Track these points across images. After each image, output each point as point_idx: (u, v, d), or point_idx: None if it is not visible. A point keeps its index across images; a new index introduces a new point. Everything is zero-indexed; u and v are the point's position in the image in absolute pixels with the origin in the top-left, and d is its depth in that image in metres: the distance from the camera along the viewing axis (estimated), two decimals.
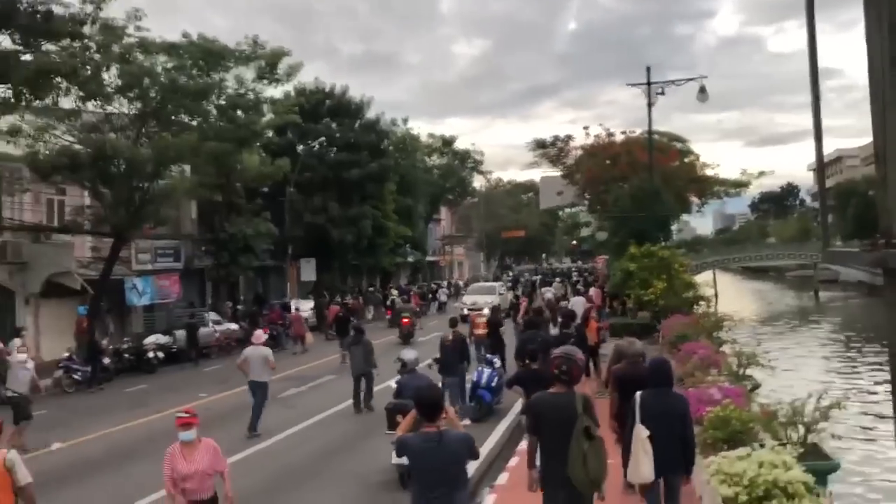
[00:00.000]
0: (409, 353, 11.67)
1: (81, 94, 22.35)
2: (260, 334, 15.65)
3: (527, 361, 10.78)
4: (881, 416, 16.34)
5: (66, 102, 22.44)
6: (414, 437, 5.54)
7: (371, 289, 48.18)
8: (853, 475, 13.22)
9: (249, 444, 12.91)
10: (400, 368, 11.58)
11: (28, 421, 13.30)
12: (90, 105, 23.53)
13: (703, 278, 47.24)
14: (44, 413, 15.39)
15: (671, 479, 6.70)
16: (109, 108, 24.32)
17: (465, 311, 30.28)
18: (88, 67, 21.59)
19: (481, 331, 19.34)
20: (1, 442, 6.63)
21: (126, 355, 23.75)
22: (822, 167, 3.88)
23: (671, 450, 6.53)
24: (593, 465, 5.81)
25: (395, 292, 43.22)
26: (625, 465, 7.74)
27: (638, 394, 6.92)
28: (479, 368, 15.05)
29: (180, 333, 26.32)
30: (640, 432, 6.53)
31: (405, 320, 28.75)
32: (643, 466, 6.48)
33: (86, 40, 20.92)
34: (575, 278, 56.59)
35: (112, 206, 24.46)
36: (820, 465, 6.62)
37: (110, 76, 23.23)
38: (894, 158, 3.13)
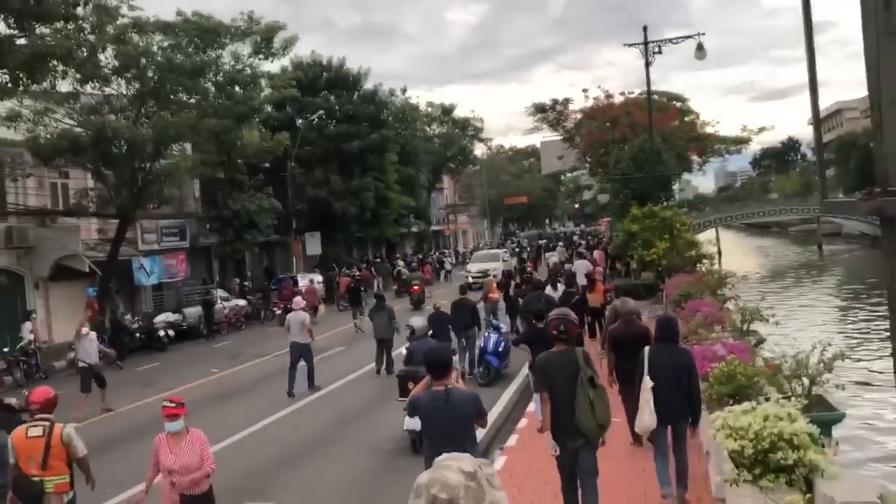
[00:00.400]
0: (417, 321, 11.81)
1: (78, 76, 22.34)
2: (299, 300, 17.15)
3: (533, 321, 11.00)
4: (884, 365, 16.50)
5: (65, 86, 22.46)
6: (423, 396, 5.79)
7: (378, 259, 48.33)
8: (858, 424, 13.40)
9: (263, 415, 13.11)
10: (409, 335, 11.76)
11: (104, 387, 15.11)
12: (88, 87, 23.55)
13: (705, 236, 47.14)
14: (61, 393, 15.59)
15: (678, 427, 7.13)
16: (108, 90, 24.32)
17: (470, 280, 30.48)
18: (84, 49, 21.53)
19: (494, 295, 19.60)
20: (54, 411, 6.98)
21: (137, 334, 23.97)
22: (818, 120, 3.94)
23: (677, 401, 6.99)
24: (600, 411, 6.27)
25: (400, 263, 43.36)
26: (630, 420, 8.25)
27: (646, 348, 7.34)
28: (487, 334, 15.25)
29: (191, 311, 26.58)
30: (646, 383, 7.01)
31: (415, 287, 29.77)
32: (646, 416, 6.97)
33: (79, 22, 20.82)
34: (577, 241, 56.77)
35: (115, 187, 24.54)
36: (824, 416, 6.71)
37: (106, 57, 23.20)
38: (889, 106, 3.18)
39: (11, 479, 6.69)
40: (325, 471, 10.05)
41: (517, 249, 54.54)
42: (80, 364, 15.16)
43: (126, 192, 24.43)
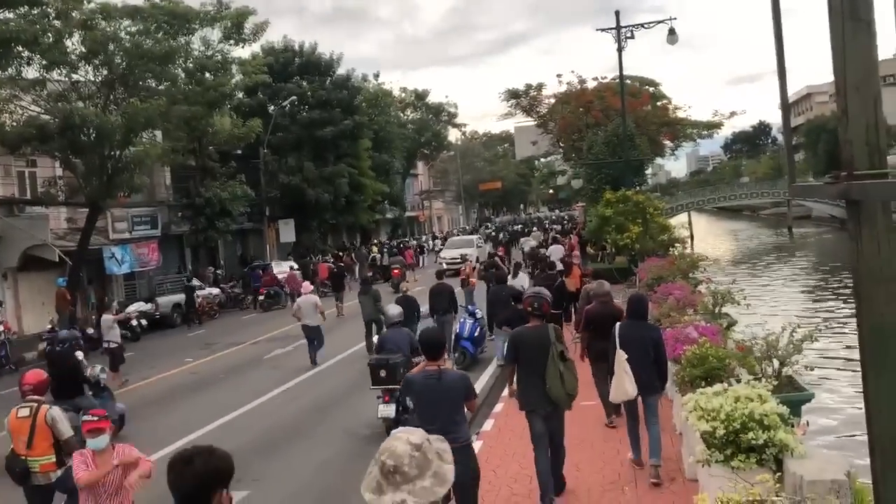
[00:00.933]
0: (393, 309, 11.80)
1: (44, 62, 21.98)
2: (308, 285, 18.83)
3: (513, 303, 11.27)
4: (851, 346, 16.80)
5: (31, 72, 22.09)
6: (417, 375, 6.22)
7: (357, 246, 48.27)
8: (826, 402, 13.66)
9: (238, 405, 13.07)
10: (385, 322, 11.84)
11: (122, 364, 16.52)
12: (55, 74, 23.15)
13: (678, 220, 47.70)
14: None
15: (648, 398, 7.55)
16: (75, 77, 23.96)
17: (445, 266, 30.43)
18: (49, 35, 21.18)
19: (474, 280, 19.87)
20: (45, 397, 7.30)
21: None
22: (786, 104, 3.98)
23: (646, 371, 7.45)
24: (569, 382, 6.88)
25: (374, 249, 43.31)
26: (603, 397, 8.89)
27: (618, 324, 7.87)
28: (462, 320, 15.30)
29: (164, 300, 26.38)
30: (620, 356, 7.47)
31: (396, 271, 30.38)
32: (626, 384, 7.38)
33: (44, 7, 20.46)
34: (549, 227, 57.05)
35: (85, 175, 24.19)
36: (794, 396, 6.83)
37: (73, 43, 22.84)
38: (853, 92, 3.22)
39: (5, 457, 6.98)
40: (299, 458, 10.06)
41: (493, 234, 54.75)
42: (108, 345, 16.75)
43: (96, 180, 24.09)
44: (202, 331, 24.91)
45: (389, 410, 10.00)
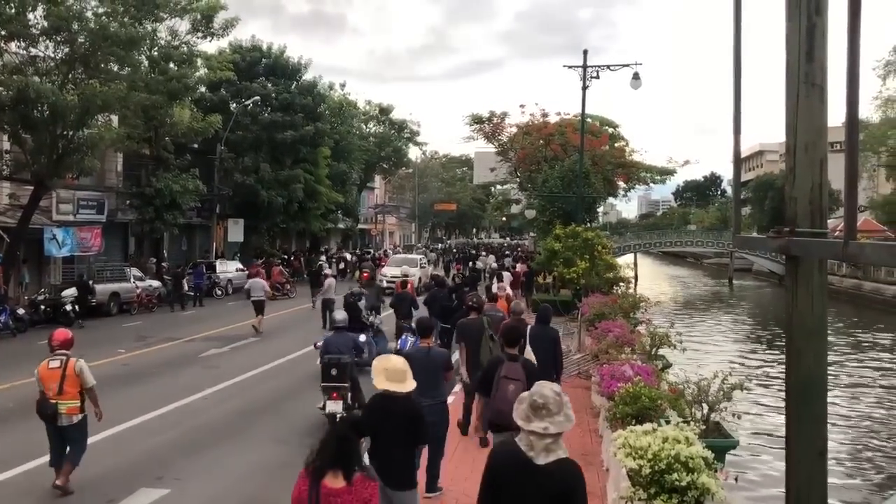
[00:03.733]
0: (339, 314, 12.31)
1: (3, 32, 21.41)
2: (329, 270, 22.43)
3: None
4: (779, 397, 17.23)
5: None
6: (412, 350, 9.12)
7: (308, 251, 47.97)
8: (749, 450, 13.98)
9: (167, 401, 12.80)
10: (330, 326, 12.46)
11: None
12: (13, 45, 22.56)
13: (624, 260, 48.36)
14: None
15: None
16: (34, 51, 23.36)
17: (385, 284, 29.94)
18: (12, 5, 20.67)
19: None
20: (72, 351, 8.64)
21: (42, 307, 23.03)
22: (738, 158, 4.12)
23: (547, 364, 9.17)
24: (495, 353, 8.92)
25: (322, 258, 42.98)
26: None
27: (529, 326, 10.06)
28: (404, 337, 15.24)
29: (102, 287, 25.66)
30: (528, 351, 9.22)
31: (365, 274, 30.89)
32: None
33: None
34: (507, 254, 57.46)
35: (33, 152, 23.58)
36: (719, 442, 7.00)
37: (36, 17, 22.31)
38: (802, 152, 3.35)
39: (36, 402, 8.44)
40: (224, 461, 9.88)
41: (454, 252, 54.98)
42: (254, 298, 21.86)
43: (44, 158, 23.49)
44: (138, 322, 24.36)
45: (337, 407, 10.54)
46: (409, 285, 20.45)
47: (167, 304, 28.86)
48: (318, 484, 4.10)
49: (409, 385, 5.87)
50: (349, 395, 10.76)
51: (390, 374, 5.69)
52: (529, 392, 3.99)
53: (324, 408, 10.74)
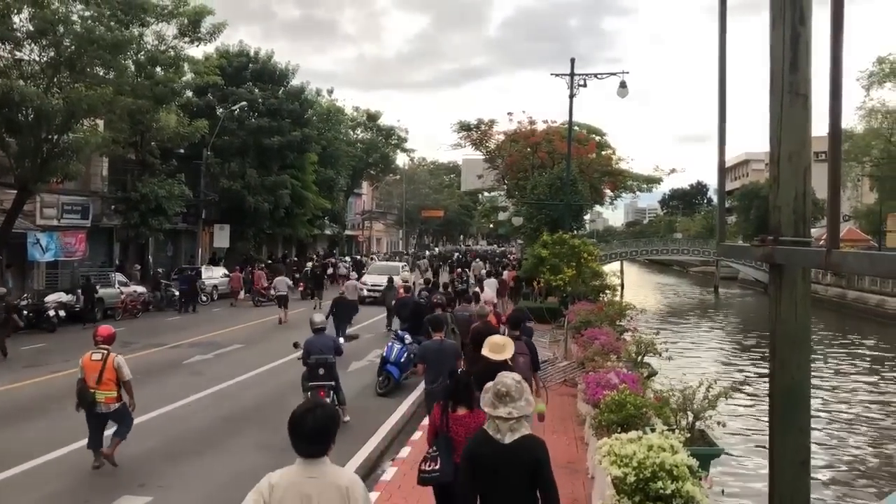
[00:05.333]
0: (318, 316, 12.66)
1: None
2: (353, 275, 21.88)
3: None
4: (763, 405, 17.29)
5: None
6: (429, 342, 9.87)
7: (288, 258, 47.86)
8: (733, 458, 14.03)
9: (151, 408, 12.68)
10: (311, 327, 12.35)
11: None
12: None
13: (610, 268, 48.66)
14: None
15: None
16: (19, 54, 23.17)
17: (365, 293, 29.60)
18: None
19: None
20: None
21: (25, 312, 22.81)
22: (722, 167, 4.14)
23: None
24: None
25: (308, 265, 42.85)
26: None
27: (502, 328, 11.20)
28: (390, 344, 15.20)
29: (104, 293, 25.50)
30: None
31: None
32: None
33: None
34: (497, 260, 57.61)
35: (17, 156, 23.35)
36: (704, 450, 7.00)
37: (21, 20, 22.16)
38: (786, 161, 3.37)
39: (77, 389, 9.29)
40: (209, 469, 9.80)
41: (435, 262, 55.12)
42: (279, 294, 25.32)
43: (29, 162, 23.29)
44: (122, 328, 24.13)
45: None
46: (410, 291, 20.64)
47: (173, 307, 29.09)
48: (447, 413, 6.01)
49: (507, 354, 7.29)
50: (332, 394, 11.45)
51: (492, 346, 7.32)
52: (493, 382, 4.65)
53: None
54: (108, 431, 9.58)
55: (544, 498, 4.53)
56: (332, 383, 11.52)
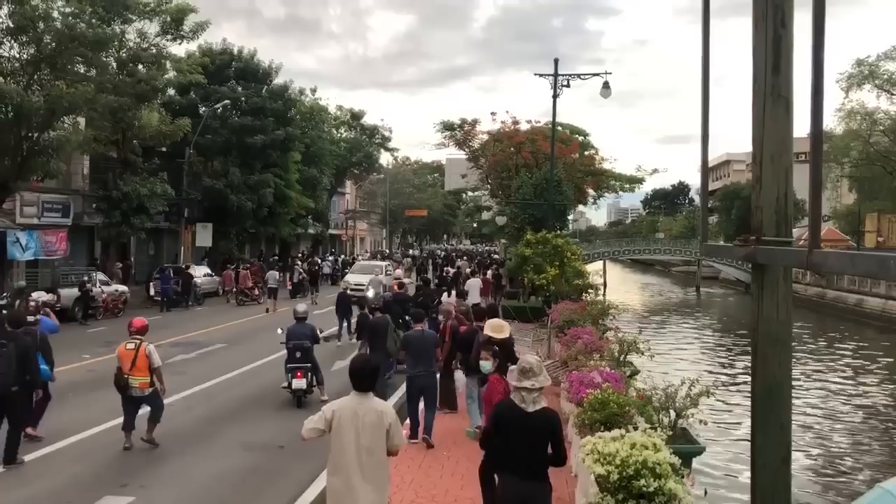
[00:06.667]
0: (301, 306, 14.19)
1: None
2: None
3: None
4: (745, 402, 17.43)
5: None
6: (410, 333, 11.15)
7: (275, 257, 47.83)
8: (715, 456, 14.14)
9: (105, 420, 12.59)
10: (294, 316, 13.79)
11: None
12: None
13: (593, 268, 48.79)
14: None
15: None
16: None
17: (349, 292, 29.57)
18: None
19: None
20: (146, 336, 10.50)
21: (3, 311, 22.52)
22: (705, 167, 4.18)
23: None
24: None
25: (298, 263, 42.74)
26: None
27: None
28: None
29: (67, 292, 25.23)
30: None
31: None
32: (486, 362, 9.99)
33: None
34: (478, 260, 57.70)
35: None
36: (686, 448, 7.07)
37: (1, 16, 21.95)
38: (769, 162, 3.41)
39: (114, 375, 10.37)
40: (191, 469, 9.76)
41: (418, 260, 55.30)
42: (270, 286, 27.76)
43: (8, 160, 23.09)
44: (103, 328, 23.98)
45: (302, 384, 12.89)
46: (404, 287, 20.73)
47: (172, 304, 29.27)
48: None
49: (505, 334, 9.82)
50: (310, 374, 13.04)
51: (493, 327, 9.69)
52: (519, 361, 5.89)
53: (289, 386, 12.98)
54: (142, 411, 10.57)
55: (555, 453, 5.77)
56: (309, 365, 13.02)
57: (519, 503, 5.76)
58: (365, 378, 5.70)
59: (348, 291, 30.20)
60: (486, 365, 9.30)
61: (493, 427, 5.92)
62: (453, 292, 22.33)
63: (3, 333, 9.60)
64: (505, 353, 10.79)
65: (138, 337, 10.41)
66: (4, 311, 22.50)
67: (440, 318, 14.52)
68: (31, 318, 11.47)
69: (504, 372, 9.55)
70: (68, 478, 9.14)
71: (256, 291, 32.79)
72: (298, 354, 12.96)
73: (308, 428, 5.58)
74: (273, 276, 30.32)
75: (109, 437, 10.87)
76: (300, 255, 51.35)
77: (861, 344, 32.58)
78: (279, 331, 13.90)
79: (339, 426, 5.46)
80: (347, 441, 5.44)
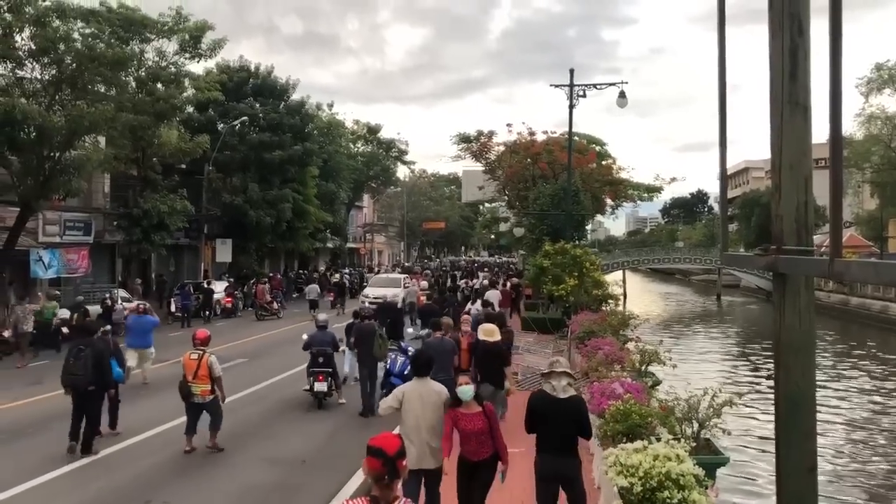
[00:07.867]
0: (322, 315, 15.53)
1: None
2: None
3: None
4: (768, 412, 17.24)
5: None
6: (431, 340, 11.69)
7: (318, 272, 48.19)
8: (740, 466, 13.98)
9: (156, 423, 12.69)
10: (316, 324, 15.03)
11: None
12: (0, 67, 22.52)
13: (612, 278, 48.57)
14: None
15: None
16: (21, 73, 23.28)
17: (367, 304, 29.54)
18: None
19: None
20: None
21: (73, 322, 22.72)
22: (724, 175, 4.16)
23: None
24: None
25: (338, 275, 43.06)
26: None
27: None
28: (393, 356, 15.16)
29: (92, 309, 25.41)
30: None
31: None
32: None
33: None
34: (502, 271, 57.58)
35: (20, 173, 23.44)
36: (710, 459, 7.00)
37: (23, 38, 22.28)
38: (788, 170, 3.39)
39: (179, 383, 11.03)
40: (215, 484, 9.78)
41: (441, 274, 55.39)
42: (310, 298, 30.02)
43: (31, 180, 23.37)
44: (123, 344, 24.11)
45: (323, 387, 13.89)
46: (432, 298, 21.19)
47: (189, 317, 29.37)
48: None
49: (496, 337, 11.11)
50: (330, 378, 13.99)
51: (485, 331, 10.96)
52: (551, 360, 7.17)
53: (311, 388, 13.95)
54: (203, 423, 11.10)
55: (583, 431, 6.86)
56: (329, 370, 14.00)
57: (553, 475, 6.73)
58: (422, 367, 7.48)
59: (367, 304, 30.32)
60: (467, 391, 7.24)
61: (529, 415, 6.81)
62: (478, 301, 22.28)
63: (82, 340, 11.11)
64: (495, 357, 11.47)
65: (202, 348, 11.03)
66: (73, 322, 22.70)
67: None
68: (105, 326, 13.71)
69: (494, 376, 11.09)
70: (93, 494, 9.19)
71: (276, 306, 32.89)
72: (321, 360, 13.91)
73: (384, 407, 7.28)
74: (314, 289, 32.79)
75: (132, 453, 10.95)
76: (327, 268, 51.60)
77: (886, 352, 32.14)
78: (304, 336, 14.89)
79: (408, 403, 7.14)
80: (414, 415, 7.10)
